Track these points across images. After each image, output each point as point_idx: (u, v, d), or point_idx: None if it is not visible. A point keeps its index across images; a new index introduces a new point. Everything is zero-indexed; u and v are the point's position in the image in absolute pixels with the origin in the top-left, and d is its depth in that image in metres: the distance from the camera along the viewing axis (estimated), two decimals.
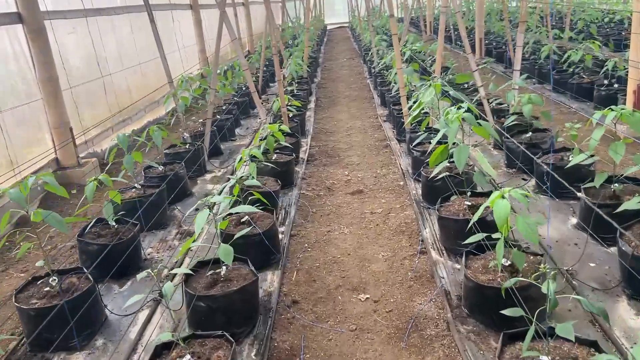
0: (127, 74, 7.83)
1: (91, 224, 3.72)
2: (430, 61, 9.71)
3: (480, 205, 3.54)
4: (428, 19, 16.73)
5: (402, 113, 6.19)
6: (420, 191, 4.56)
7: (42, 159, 5.52)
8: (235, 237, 3.12)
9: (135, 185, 4.47)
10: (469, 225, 2.93)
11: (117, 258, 3.56)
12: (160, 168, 5.03)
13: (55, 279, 2.99)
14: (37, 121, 5.60)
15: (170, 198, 4.71)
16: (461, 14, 6.96)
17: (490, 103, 6.27)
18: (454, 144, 3.34)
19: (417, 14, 19.93)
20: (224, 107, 8.00)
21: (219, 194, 4.57)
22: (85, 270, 3.17)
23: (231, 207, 3.75)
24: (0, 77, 5.10)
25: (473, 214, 3.39)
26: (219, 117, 7.24)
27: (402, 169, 5.30)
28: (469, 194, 3.61)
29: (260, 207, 3.74)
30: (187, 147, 5.74)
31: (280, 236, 4.00)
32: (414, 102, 5.42)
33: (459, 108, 3.42)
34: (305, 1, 13.27)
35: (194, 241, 2.98)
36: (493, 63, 10.94)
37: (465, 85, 7.42)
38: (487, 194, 3.64)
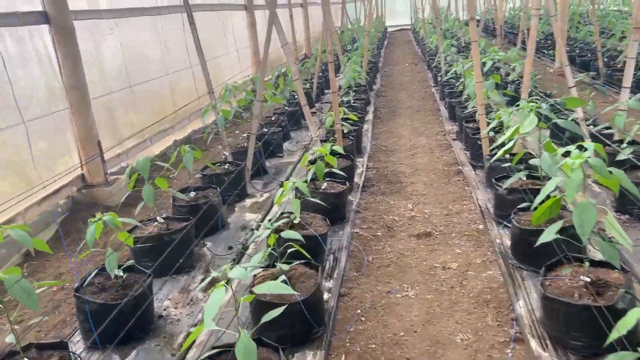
0: (171, 79, 7.23)
1: (93, 273, 3.00)
2: (505, 71, 8.61)
3: (604, 283, 2.57)
4: (499, 22, 15.43)
5: (478, 132, 5.20)
6: (508, 243, 3.58)
7: (67, 175, 4.93)
8: (265, 318, 2.29)
9: (158, 219, 3.75)
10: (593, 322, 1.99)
11: (122, 320, 2.83)
12: (192, 194, 4.30)
13: None
14: (63, 133, 5.02)
15: (199, 232, 3.97)
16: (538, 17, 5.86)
17: (589, 125, 5.17)
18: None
19: (483, 17, 18.60)
20: (272, 118, 7.25)
21: (244, 248, 3.75)
22: (68, 345, 2.44)
23: (266, 264, 2.96)
24: (24, 84, 4.53)
25: (594, 296, 2.42)
26: (266, 130, 6.50)
27: (480, 207, 4.32)
28: (587, 264, 2.63)
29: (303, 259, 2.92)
30: (226, 167, 5.00)
31: (325, 296, 3.16)
32: (500, 127, 4.45)
33: (579, 148, 2.45)
34: (366, 2, 12.40)
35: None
36: (576, 72, 9.67)
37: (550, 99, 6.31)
38: (610, 265, 2.64)
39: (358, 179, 5.25)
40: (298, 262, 2.93)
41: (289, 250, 2.87)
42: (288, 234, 2.81)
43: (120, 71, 6.11)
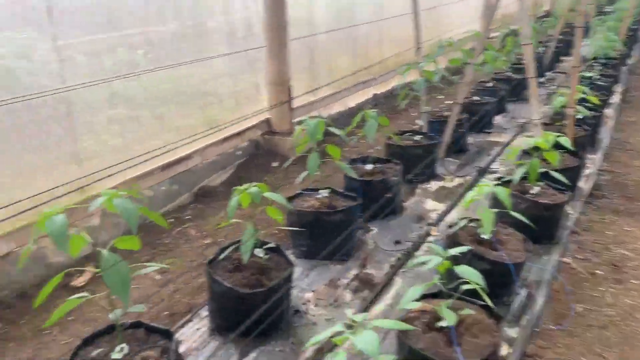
0: (383, 26, 6.55)
1: (231, 247, 2.60)
2: None
3: None
4: None
5: None
6: None
7: (253, 118, 4.71)
8: None
9: (321, 192, 3.22)
10: None
11: (250, 307, 2.41)
12: (368, 167, 3.68)
13: (123, 348, 1.95)
14: (254, 73, 4.77)
15: (366, 213, 3.36)
16: None
17: None
18: None
19: None
20: (489, 84, 6.14)
21: (414, 248, 2.98)
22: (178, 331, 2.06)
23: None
24: (222, 18, 4.32)
25: None
26: (477, 98, 5.49)
27: None
28: None
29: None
30: (416, 139, 4.24)
31: (503, 350, 2.31)
32: None
33: None
34: None
35: None
36: None
37: None
38: None
39: (583, 184, 4.03)
40: (470, 311, 2.12)
41: (463, 287, 2.08)
42: (465, 271, 1.99)
43: (328, 11, 5.63)
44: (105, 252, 1.76)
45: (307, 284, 2.90)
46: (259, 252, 2.56)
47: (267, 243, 2.66)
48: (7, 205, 2.05)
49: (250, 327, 2.47)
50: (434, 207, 3.78)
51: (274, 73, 4.67)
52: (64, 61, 3.23)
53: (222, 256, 2.54)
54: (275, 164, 4.61)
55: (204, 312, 2.67)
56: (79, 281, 2.98)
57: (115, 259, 1.73)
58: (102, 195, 1.78)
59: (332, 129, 3.05)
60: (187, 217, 3.77)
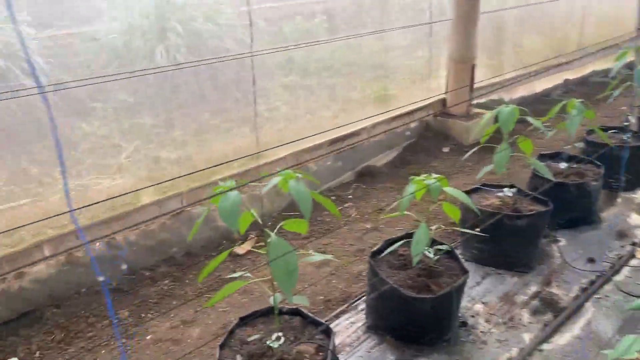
0: (585, 3, 5.67)
1: (399, 243, 2.34)
2: None
3: None
4: None
5: None
6: None
7: (427, 98, 4.37)
8: None
9: (505, 190, 2.79)
10: None
11: (413, 312, 2.16)
12: (563, 166, 3.14)
13: (279, 337, 1.81)
14: (434, 47, 4.40)
15: (554, 220, 2.87)
16: None
17: None
18: None
19: None
20: None
21: (613, 271, 2.40)
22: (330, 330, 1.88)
23: None
24: None
25: None
26: None
27: None
28: None
29: None
30: (625, 137, 3.53)
31: None
32: None
33: None
34: None
35: None
36: None
37: None
38: None
39: None
40: None
41: None
42: None
43: None
44: (273, 236, 1.62)
45: (477, 294, 2.55)
46: (428, 252, 2.28)
47: (438, 242, 2.36)
48: (181, 164, 2.03)
49: (411, 333, 2.23)
50: (639, 222, 3.13)
51: (458, 49, 4.25)
52: (247, 26, 3.20)
53: (387, 251, 2.29)
54: (445, 150, 4.23)
55: (361, 305, 2.48)
56: (242, 248, 2.98)
57: (284, 246, 1.58)
58: (277, 174, 1.63)
59: (529, 119, 2.60)
60: (348, 197, 3.60)
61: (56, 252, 2.53)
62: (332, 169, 3.72)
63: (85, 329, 2.42)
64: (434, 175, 2.16)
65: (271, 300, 1.87)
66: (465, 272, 2.25)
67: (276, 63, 3.47)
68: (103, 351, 2.30)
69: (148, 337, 2.38)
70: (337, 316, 2.43)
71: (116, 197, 2.48)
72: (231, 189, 1.55)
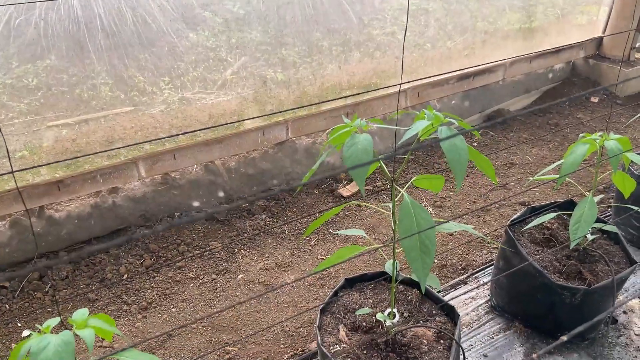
0: None
1: (535, 222, 1.87)
2: None
3: None
4: None
5: None
6: None
7: (578, 33, 3.65)
8: None
9: None
10: None
11: (553, 301, 1.74)
12: None
13: (393, 314, 1.48)
14: None
15: None
16: None
17: None
18: None
19: None
20: None
21: None
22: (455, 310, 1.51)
23: None
24: None
25: None
26: None
27: None
28: None
29: None
30: None
31: None
32: None
33: None
34: None
35: None
36: None
37: None
38: None
39: None
40: None
41: None
42: None
43: None
44: (407, 197, 1.24)
45: (632, 285, 2.06)
46: (587, 233, 1.80)
47: (597, 220, 1.87)
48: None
49: (546, 324, 1.82)
50: None
51: None
52: None
53: (532, 223, 1.84)
54: (594, 100, 3.54)
55: (484, 278, 2.09)
56: (347, 190, 2.66)
57: (423, 217, 1.20)
58: (415, 115, 1.23)
59: None
60: (473, 144, 3.12)
61: (151, 171, 2.35)
62: (457, 109, 3.22)
63: (174, 257, 2.25)
64: (613, 136, 1.64)
65: (386, 266, 1.54)
66: (632, 262, 1.77)
67: None
68: (191, 285, 2.13)
69: (239, 277, 2.17)
70: (454, 286, 2.07)
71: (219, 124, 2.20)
72: (359, 129, 1.18)
